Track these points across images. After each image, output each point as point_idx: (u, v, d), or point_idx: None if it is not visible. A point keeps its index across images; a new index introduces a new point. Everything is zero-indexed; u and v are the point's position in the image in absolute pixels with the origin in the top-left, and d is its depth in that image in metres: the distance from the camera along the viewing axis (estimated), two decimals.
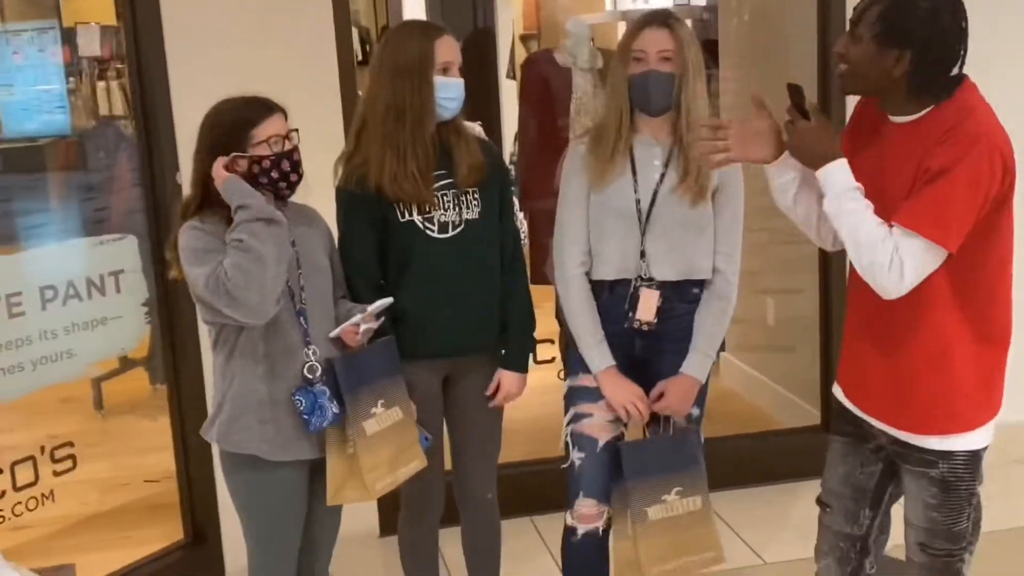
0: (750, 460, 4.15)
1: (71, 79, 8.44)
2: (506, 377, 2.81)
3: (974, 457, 2.30)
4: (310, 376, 2.48)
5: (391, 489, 2.62)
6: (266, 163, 2.40)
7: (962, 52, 2.18)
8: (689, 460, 2.71)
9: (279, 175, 2.42)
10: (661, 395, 2.71)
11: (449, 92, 2.64)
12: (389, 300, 2.56)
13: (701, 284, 2.74)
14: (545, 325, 3.82)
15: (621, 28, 7.13)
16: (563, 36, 4.35)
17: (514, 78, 7.21)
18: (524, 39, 7.27)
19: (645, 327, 2.69)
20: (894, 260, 2.11)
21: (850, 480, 2.48)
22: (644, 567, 2.66)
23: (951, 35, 2.16)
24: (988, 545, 2.53)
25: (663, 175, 2.66)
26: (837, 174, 2.18)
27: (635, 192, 2.66)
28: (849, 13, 3.72)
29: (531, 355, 2.88)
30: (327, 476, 2.52)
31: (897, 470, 2.42)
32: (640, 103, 2.61)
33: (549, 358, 4.01)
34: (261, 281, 2.30)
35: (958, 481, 2.28)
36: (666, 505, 2.67)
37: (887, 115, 2.28)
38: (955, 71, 2.19)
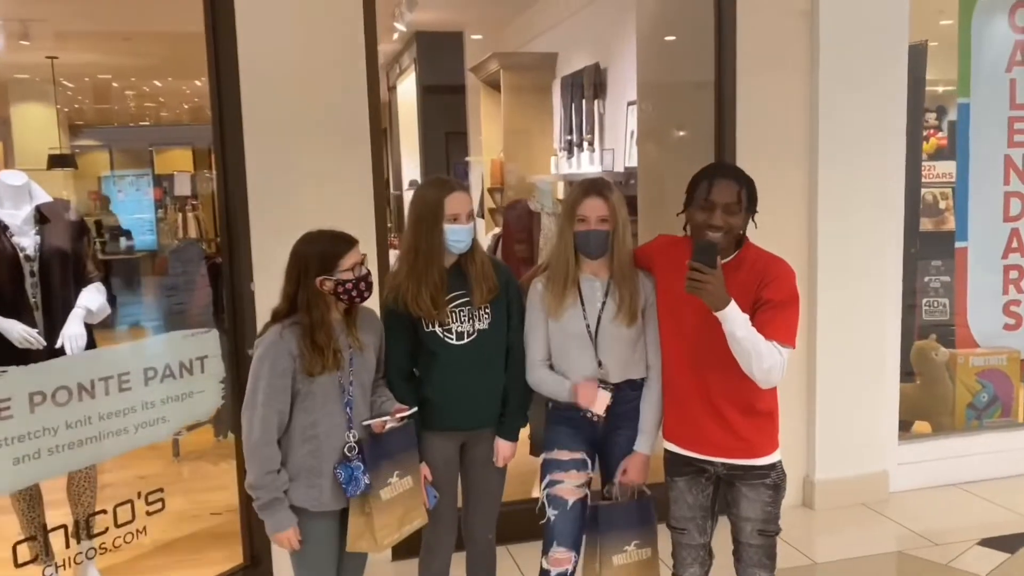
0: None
1: (159, 211, 8.32)
2: (501, 444, 2.65)
3: (781, 463, 2.49)
4: (349, 455, 2.32)
5: (397, 542, 2.45)
6: (349, 285, 2.28)
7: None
8: (645, 520, 2.60)
9: (356, 293, 2.30)
10: (624, 470, 2.58)
11: (456, 236, 2.48)
12: (415, 410, 2.43)
13: (640, 381, 2.60)
14: None
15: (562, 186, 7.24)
16: (529, 190, 4.31)
17: (483, 216, 7.20)
18: (491, 191, 7.28)
19: (596, 419, 2.55)
20: (781, 365, 2.25)
21: (696, 503, 2.52)
22: None
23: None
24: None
25: (604, 304, 2.53)
26: (737, 310, 2.21)
27: (584, 319, 2.53)
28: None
29: (521, 428, 2.70)
30: (348, 529, 2.36)
31: (719, 488, 2.52)
32: (583, 251, 2.50)
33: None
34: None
35: (781, 481, 2.47)
36: (627, 554, 2.56)
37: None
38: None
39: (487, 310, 2.55)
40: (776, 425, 2.47)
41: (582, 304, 2.53)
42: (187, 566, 3.44)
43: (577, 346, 2.53)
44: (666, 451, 2.54)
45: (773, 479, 2.44)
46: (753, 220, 2.41)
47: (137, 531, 3.05)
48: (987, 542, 3.71)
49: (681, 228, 2.48)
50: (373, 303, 2.53)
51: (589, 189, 2.49)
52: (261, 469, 2.25)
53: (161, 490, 3.13)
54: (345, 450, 2.32)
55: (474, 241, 2.55)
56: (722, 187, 2.31)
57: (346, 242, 2.30)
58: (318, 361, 2.24)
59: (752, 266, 2.34)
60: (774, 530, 2.49)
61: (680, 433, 2.50)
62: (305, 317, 2.26)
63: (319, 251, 2.27)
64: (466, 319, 2.54)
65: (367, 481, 2.31)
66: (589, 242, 2.48)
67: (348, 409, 2.33)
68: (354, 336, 2.36)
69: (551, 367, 2.59)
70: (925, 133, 4.78)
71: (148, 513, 3.06)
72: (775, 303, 2.26)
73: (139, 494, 3.06)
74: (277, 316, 2.31)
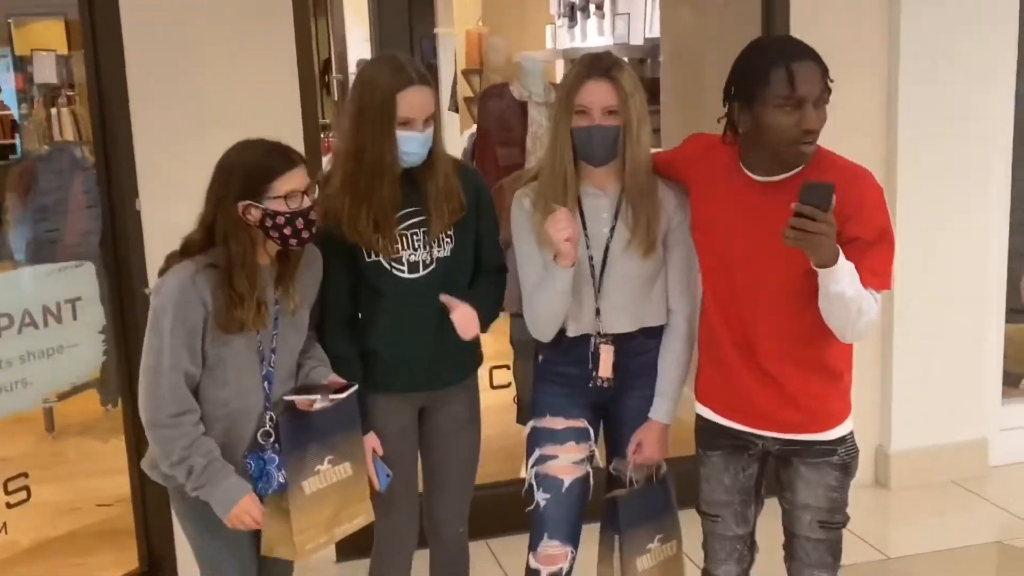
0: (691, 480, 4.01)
1: (23, 105, 8.22)
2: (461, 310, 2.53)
3: (852, 435, 2.46)
4: (263, 442, 2.32)
5: (325, 548, 2.46)
6: (280, 219, 2.20)
7: None
8: (666, 507, 2.66)
9: (291, 232, 2.22)
10: (639, 445, 2.60)
11: (409, 147, 2.41)
12: (355, 388, 2.40)
13: (659, 329, 2.61)
14: (503, 347, 3.68)
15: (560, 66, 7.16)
16: (514, 72, 4.29)
17: (456, 110, 7.15)
18: (466, 74, 7.21)
19: (605, 383, 2.57)
20: (877, 314, 2.25)
21: (736, 486, 2.52)
22: None
23: None
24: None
25: (613, 228, 2.51)
26: (847, 264, 2.16)
27: (587, 248, 2.51)
28: None
29: (492, 317, 2.64)
30: (263, 530, 2.35)
31: (765, 465, 2.52)
32: (584, 156, 2.45)
33: (505, 383, 3.86)
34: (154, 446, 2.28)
35: (852, 459, 2.44)
36: (651, 554, 2.63)
37: (742, 172, 2.32)
38: None
39: (449, 233, 2.53)
40: (847, 386, 2.45)
41: (584, 228, 2.51)
42: (67, 572, 3.52)
43: (576, 285, 2.50)
44: (699, 417, 2.54)
45: (841, 456, 2.41)
46: None
47: None
48: None
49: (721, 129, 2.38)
50: None
51: (591, 69, 2.43)
52: (178, 443, 2.22)
53: (25, 475, 3.18)
54: (259, 436, 2.32)
55: (435, 146, 2.49)
56: (807, 73, 2.16)
57: (284, 158, 2.23)
58: (235, 315, 2.21)
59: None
60: (840, 521, 2.47)
61: (718, 397, 2.49)
62: (223, 252, 2.21)
63: (246, 166, 2.21)
64: (421, 245, 2.50)
65: (281, 480, 2.31)
66: (592, 142, 2.43)
67: (267, 384, 2.33)
68: (288, 293, 2.34)
69: None
70: None
71: (9, 505, 3.12)
72: (866, 241, 2.20)
73: None
74: (188, 249, 2.26)
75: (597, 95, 2.41)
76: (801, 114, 2.15)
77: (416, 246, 2.50)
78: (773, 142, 2.20)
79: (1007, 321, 4.33)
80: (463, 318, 2.51)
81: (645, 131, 2.46)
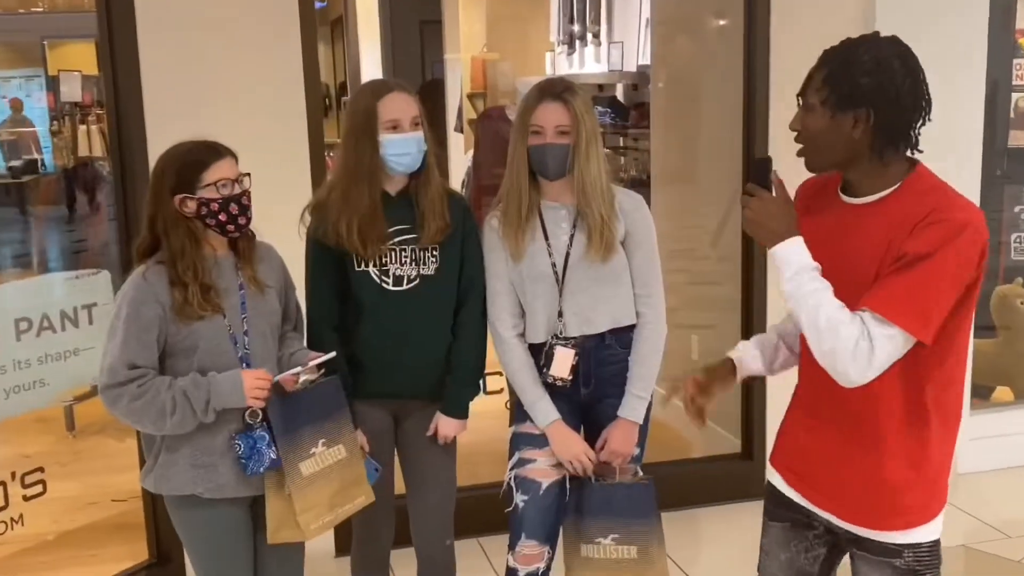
0: (675, 484, 3.99)
1: (55, 122, 8.29)
2: (443, 422, 2.65)
3: (936, 544, 1.99)
4: (251, 421, 2.32)
5: (331, 528, 2.46)
6: (215, 206, 2.25)
7: (924, 104, 1.87)
8: (636, 512, 2.58)
9: (227, 218, 2.27)
10: (606, 441, 2.60)
11: (397, 148, 2.46)
12: (332, 354, 2.42)
13: (630, 329, 2.62)
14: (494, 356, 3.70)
15: None
16: (514, 95, 4.31)
17: (462, 131, 7.17)
18: (471, 97, 7.23)
19: (560, 383, 2.57)
20: (860, 346, 1.77)
21: (794, 566, 2.15)
22: None
23: (904, 84, 1.84)
24: None
25: (572, 237, 2.55)
26: (795, 252, 1.85)
27: (550, 256, 2.56)
28: (773, 76, 3.81)
29: (472, 399, 2.71)
30: (267, 516, 2.37)
31: (839, 551, 2.12)
32: (539, 171, 2.51)
33: (498, 388, 3.82)
34: (145, 424, 2.26)
35: (924, 569, 1.98)
36: (598, 547, 2.57)
37: (839, 196, 1.98)
38: (919, 125, 1.90)
39: (435, 252, 2.56)
40: (934, 480, 1.96)
41: (546, 238, 2.55)
42: (82, 562, 3.52)
43: (543, 291, 2.55)
44: (768, 481, 2.21)
45: (906, 562, 1.97)
46: (887, 139, 1.88)
47: (12, 520, 3.11)
48: None
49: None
50: (293, 238, 2.55)
51: (545, 92, 2.49)
52: (157, 392, 2.20)
53: (41, 469, 3.19)
54: (246, 416, 2.31)
55: (428, 164, 2.53)
56: (810, 77, 1.93)
57: (212, 151, 2.27)
58: (185, 300, 2.23)
59: (910, 208, 1.83)
60: None
61: (785, 461, 2.14)
62: (165, 247, 2.25)
63: (177, 162, 2.26)
64: (408, 260, 2.54)
65: (272, 456, 2.31)
66: (544, 159, 2.48)
67: (245, 366, 2.32)
68: (248, 275, 2.37)
69: (522, 334, 2.61)
70: None
71: (25, 498, 3.13)
72: (910, 258, 1.77)
73: (13, 475, 3.12)
74: (140, 251, 2.30)
75: (550, 116, 2.47)
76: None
77: (403, 261, 2.54)
78: None
79: (975, 336, 4.32)
80: (447, 432, 2.63)
81: (595, 149, 2.50)
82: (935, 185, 1.88)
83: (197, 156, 2.26)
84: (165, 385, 2.21)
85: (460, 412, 2.67)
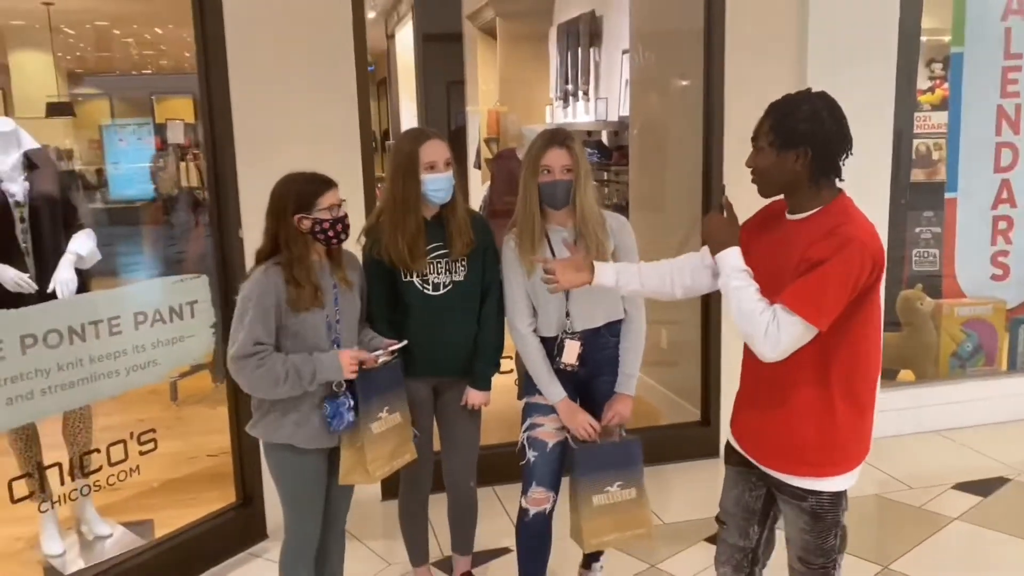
0: (647, 446, 3.96)
1: (160, 160, 8.33)
2: (471, 393, 2.69)
3: (837, 495, 2.02)
4: (337, 390, 2.36)
5: (388, 475, 2.50)
6: (326, 224, 2.30)
7: (847, 142, 1.94)
8: (629, 462, 2.59)
9: (333, 233, 2.32)
10: (613, 416, 2.62)
11: (434, 185, 2.50)
12: (404, 343, 2.47)
13: (619, 326, 2.64)
14: (508, 342, 3.70)
15: None
16: (520, 139, 4.31)
17: (479, 168, 7.19)
18: (487, 141, 7.26)
19: (569, 368, 2.59)
20: (769, 331, 1.84)
21: (741, 502, 2.21)
22: (585, 539, 2.55)
23: (832, 128, 1.92)
24: None
25: None
26: (730, 258, 1.96)
27: None
28: (728, 129, 3.81)
29: (493, 375, 2.74)
30: (341, 462, 2.42)
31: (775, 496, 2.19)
32: (549, 203, 2.52)
33: (509, 369, 3.84)
34: (261, 390, 2.29)
35: (824, 513, 2.01)
36: (608, 495, 2.55)
37: (785, 214, 2.03)
38: (844, 158, 1.95)
39: (463, 262, 2.60)
40: (840, 447, 1.97)
41: (552, 255, 2.55)
42: (182, 505, 3.52)
43: (553, 297, 2.56)
44: (727, 439, 2.27)
45: (810, 505, 2.00)
46: (823, 164, 1.93)
47: (130, 470, 3.11)
48: (962, 486, 3.78)
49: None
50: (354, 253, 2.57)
51: (551, 140, 2.50)
52: (274, 364, 2.24)
53: (153, 431, 3.19)
54: (333, 386, 2.36)
55: (455, 193, 2.56)
56: (759, 123, 1.99)
57: (324, 183, 2.32)
58: (299, 296, 2.27)
59: (820, 225, 1.90)
60: (816, 563, 2.05)
61: (736, 424, 2.19)
62: (285, 253, 2.29)
63: (297, 189, 2.29)
64: (443, 271, 2.58)
65: (351, 418, 2.36)
66: (555, 193, 2.49)
67: (336, 346, 2.37)
68: (340, 275, 2.40)
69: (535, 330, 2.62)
70: (931, 84, 4.73)
71: (141, 453, 3.13)
72: (811, 263, 1.84)
73: (131, 434, 3.13)
74: (260, 256, 2.35)
75: (557, 159, 2.48)
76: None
77: (439, 271, 2.57)
78: None
79: (884, 329, 4.32)
80: (476, 401, 2.67)
81: (590, 183, 2.54)
82: (845, 209, 1.94)
83: (314, 186, 2.30)
84: (280, 360, 2.26)
85: (485, 385, 2.70)
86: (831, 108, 1.93)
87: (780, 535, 2.22)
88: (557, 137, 2.51)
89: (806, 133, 1.90)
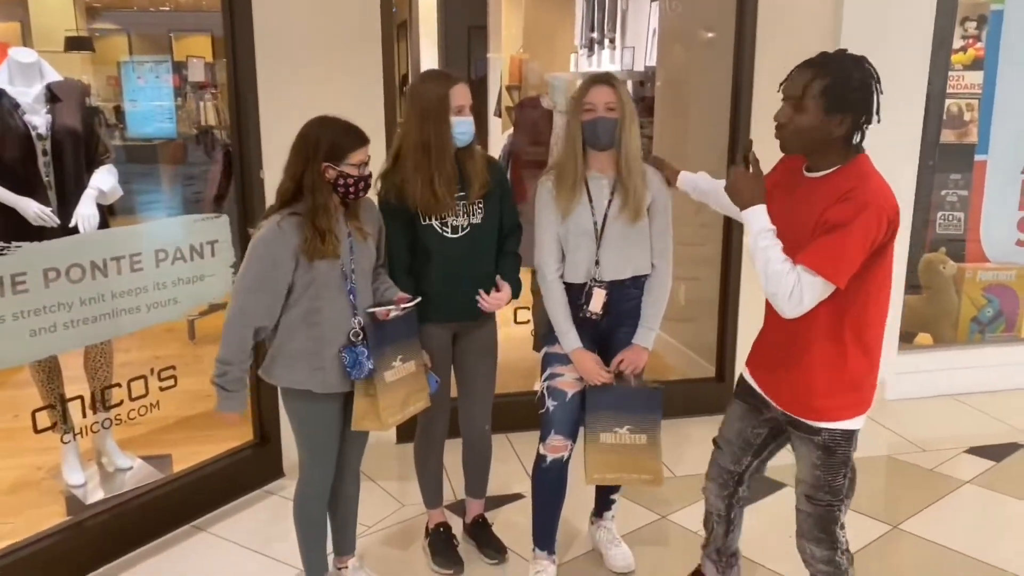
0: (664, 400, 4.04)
1: (178, 98, 8.26)
2: (498, 290, 2.64)
3: (850, 432, 2.13)
4: (354, 340, 2.37)
5: (400, 422, 2.51)
6: (349, 180, 2.28)
7: (877, 109, 2.00)
8: (647, 409, 2.60)
9: (354, 190, 2.31)
10: (622, 360, 2.62)
11: (462, 128, 2.48)
12: (419, 299, 2.47)
13: (644, 279, 2.64)
14: (524, 292, 3.71)
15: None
16: (544, 87, 4.26)
17: (500, 116, 7.11)
18: (509, 88, 7.16)
19: (593, 316, 2.59)
20: (794, 291, 1.94)
21: (742, 435, 2.36)
22: (588, 471, 2.61)
23: (876, 99, 1.99)
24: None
25: (610, 202, 2.55)
26: (757, 216, 2.01)
27: (592, 215, 2.55)
28: (759, 81, 3.75)
29: (515, 275, 2.70)
30: (354, 409, 2.44)
31: (779, 435, 2.31)
32: (591, 142, 2.49)
33: (526, 320, 3.86)
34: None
35: (836, 446, 2.12)
36: (616, 435, 2.59)
37: (803, 173, 2.08)
38: (868, 125, 2.01)
39: (480, 204, 2.59)
40: (853, 390, 2.09)
41: (590, 202, 2.54)
42: (200, 441, 3.58)
43: (584, 243, 2.56)
44: (740, 374, 2.39)
45: (823, 439, 2.11)
46: (858, 130, 2.01)
47: (151, 405, 3.16)
48: (975, 450, 3.80)
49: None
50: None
51: (596, 78, 2.50)
52: (236, 348, 2.31)
53: (173, 367, 3.23)
54: (350, 335, 2.37)
55: (475, 137, 2.54)
56: (794, 76, 2.01)
57: (360, 138, 2.29)
58: (318, 245, 2.26)
59: (838, 186, 1.96)
60: (824, 500, 2.15)
61: (756, 363, 2.30)
62: (309, 199, 2.27)
63: (331, 138, 2.26)
64: (462, 213, 2.56)
65: (370, 366, 2.37)
66: (597, 130, 2.47)
67: (352, 296, 2.37)
68: (355, 225, 2.39)
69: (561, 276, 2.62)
70: (963, 43, 4.62)
71: (161, 389, 3.18)
72: (830, 225, 1.91)
73: (152, 371, 3.17)
74: (282, 196, 2.31)
75: (601, 95, 2.47)
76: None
77: (458, 214, 2.55)
78: None
79: (906, 292, 4.32)
80: (494, 302, 2.61)
81: (635, 128, 2.50)
82: (863, 172, 1.99)
83: (350, 139, 2.26)
84: (245, 368, 2.37)
85: (511, 279, 2.67)
86: (877, 79, 1.99)
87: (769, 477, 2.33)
88: (602, 76, 2.51)
89: (856, 102, 1.96)
